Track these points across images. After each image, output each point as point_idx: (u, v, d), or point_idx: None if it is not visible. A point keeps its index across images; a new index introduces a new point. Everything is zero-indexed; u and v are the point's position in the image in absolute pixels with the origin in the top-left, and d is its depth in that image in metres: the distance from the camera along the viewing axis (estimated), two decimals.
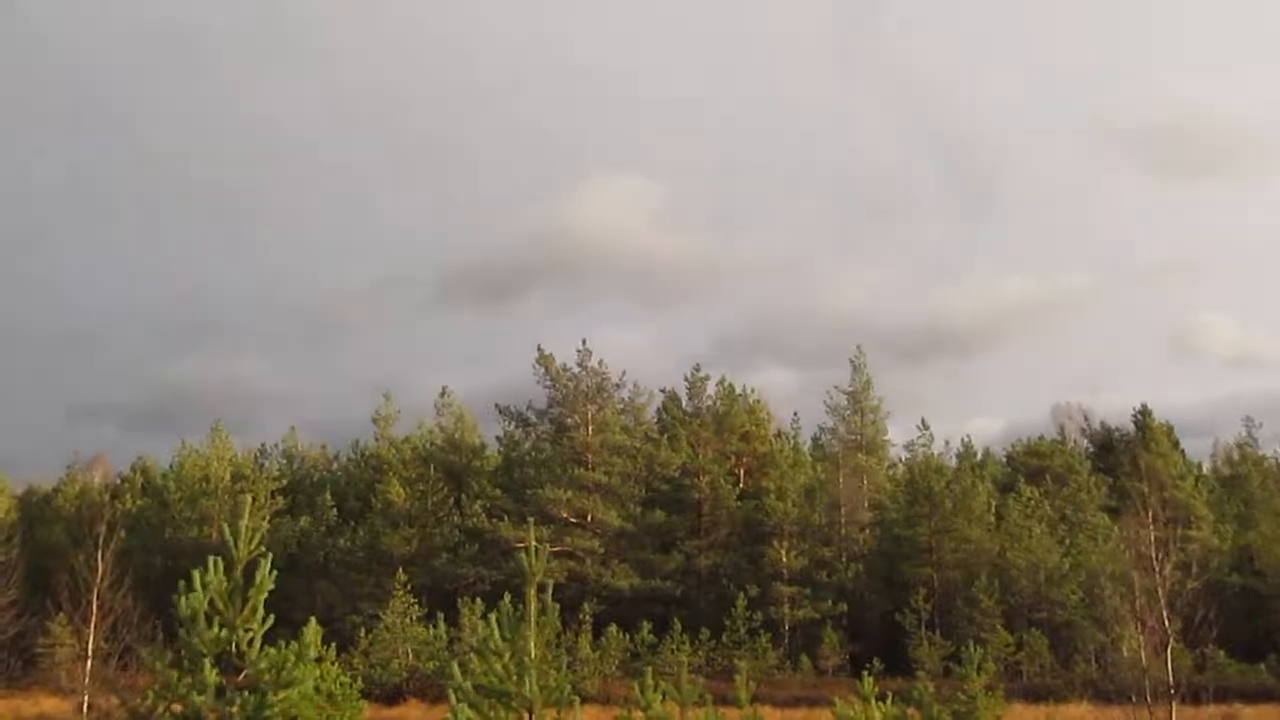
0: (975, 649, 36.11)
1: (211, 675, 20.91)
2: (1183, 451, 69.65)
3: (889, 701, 22.01)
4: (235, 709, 20.97)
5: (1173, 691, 23.08)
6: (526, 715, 20.73)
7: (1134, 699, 23.15)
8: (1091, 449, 73.46)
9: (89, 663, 24.68)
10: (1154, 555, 23.99)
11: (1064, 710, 34.02)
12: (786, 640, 53.46)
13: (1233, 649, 47.76)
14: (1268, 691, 40.29)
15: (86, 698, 24.42)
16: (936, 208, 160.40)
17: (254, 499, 21.77)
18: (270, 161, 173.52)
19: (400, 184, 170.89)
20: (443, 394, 69.15)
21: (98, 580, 24.97)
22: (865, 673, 23.01)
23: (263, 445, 72.54)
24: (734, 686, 22.25)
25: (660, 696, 22.94)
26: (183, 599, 21.41)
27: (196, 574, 21.66)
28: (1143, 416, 70.12)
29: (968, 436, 75.98)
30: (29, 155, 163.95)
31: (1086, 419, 77.34)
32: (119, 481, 71.55)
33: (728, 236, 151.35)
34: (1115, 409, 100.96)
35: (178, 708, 21.22)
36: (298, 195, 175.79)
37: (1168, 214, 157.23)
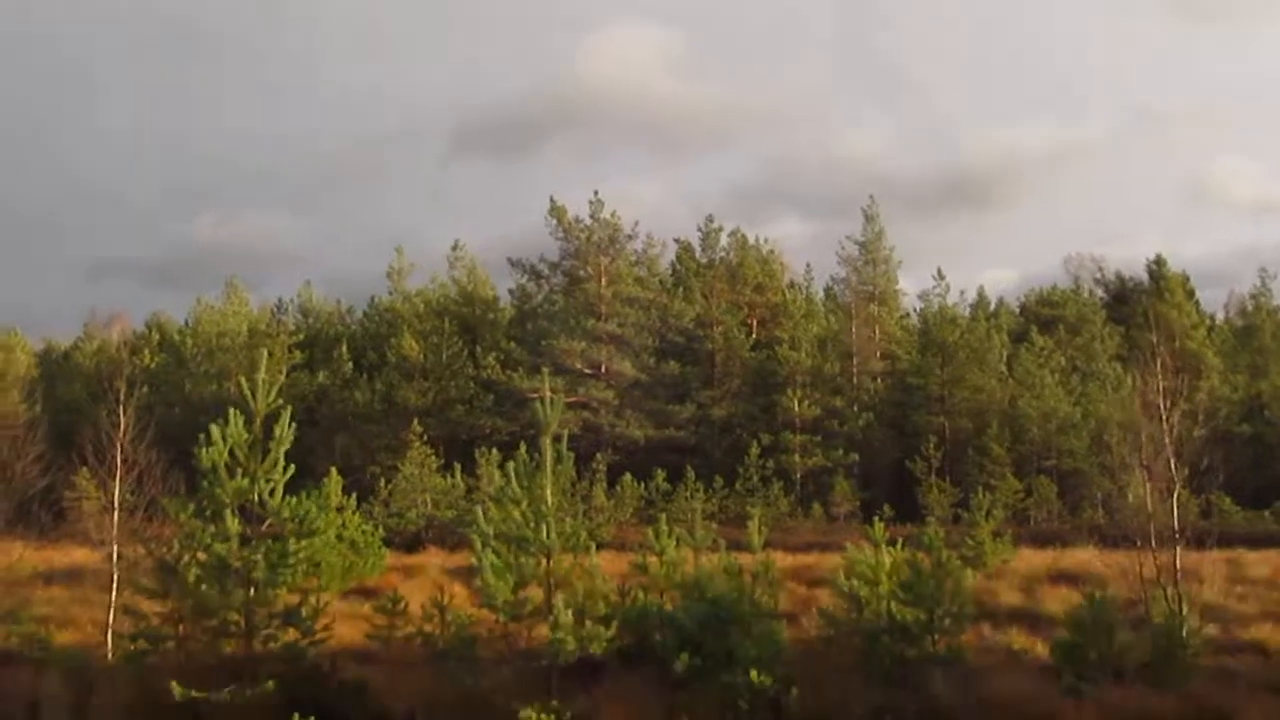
0: (984, 496, 36.90)
1: (234, 524, 21.49)
2: (1197, 302, 69.43)
3: (899, 546, 22.52)
4: (259, 557, 21.60)
5: (1177, 537, 23.46)
6: (544, 560, 21.30)
7: (1139, 544, 23.54)
8: (1105, 299, 73.24)
9: (115, 515, 25.18)
10: (1162, 404, 24.12)
11: (1070, 554, 34.65)
12: (798, 488, 54.31)
13: (1238, 496, 48.40)
14: (1271, 537, 40.90)
15: (115, 548, 25.01)
16: (954, 56, 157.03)
17: (270, 354, 22.09)
18: (280, 15, 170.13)
19: (412, 35, 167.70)
20: (455, 247, 69.07)
21: (120, 435, 25.30)
22: (876, 519, 23.53)
23: (279, 300, 72.86)
24: (746, 533, 22.81)
25: (674, 542, 23.55)
26: (203, 451, 21.88)
27: (216, 427, 22.11)
28: (1157, 266, 69.74)
29: (982, 287, 75.69)
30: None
31: (1101, 269, 76.95)
32: (136, 338, 72.06)
33: (744, 86, 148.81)
34: (1130, 259, 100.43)
35: (203, 556, 21.86)
36: (308, 49, 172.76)
37: (1189, 58, 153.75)
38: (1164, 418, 23.94)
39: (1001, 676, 21.16)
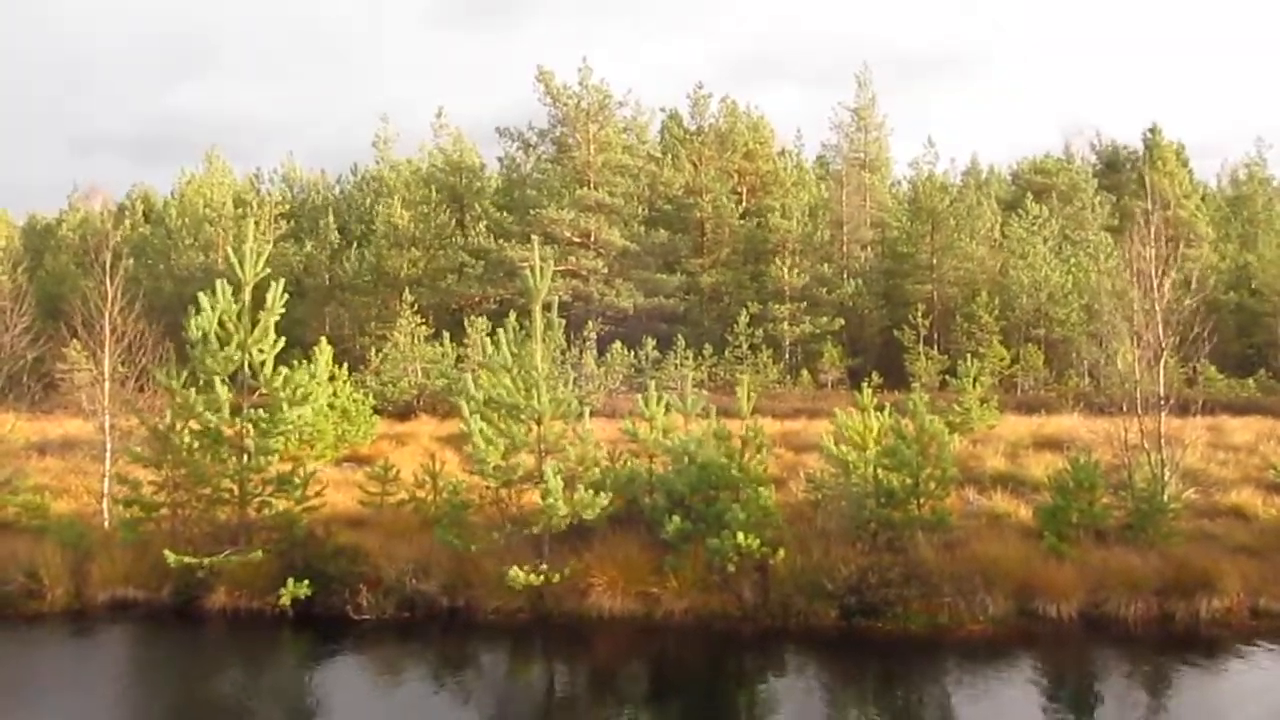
0: (972, 363, 37.02)
1: (226, 393, 21.58)
2: (1190, 171, 68.90)
3: (886, 411, 22.72)
4: (251, 425, 21.73)
5: (1162, 403, 23.67)
6: (535, 426, 21.48)
7: (1124, 410, 23.75)
8: (1099, 167, 72.64)
9: (107, 385, 25.22)
10: (1153, 272, 24.10)
11: (1055, 421, 35.02)
12: (787, 355, 54.60)
13: (1223, 365, 48.74)
14: (1254, 405, 41.41)
15: (108, 419, 25.11)
16: None
17: (256, 223, 21.88)
18: None
19: None
20: (439, 115, 68.13)
21: (108, 305, 25.20)
22: (863, 385, 23.67)
23: (257, 170, 71.92)
24: (735, 399, 22.92)
25: (664, 408, 23.70)
26: (191, 322, 21.85)
27: (204, 297, 22.03)
28: (1152, 134, 69.05)
29: (974, 155, 75.01)
30: None
31: (1098, 135, 76.13)
32: (119, 211, 71.30)
33: None
34: (1125, 129, 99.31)
35: (195, 425, 21.99)
36: None
37: None
38: (1154, 285, 23.94)
39: (985, 539, 21.53)
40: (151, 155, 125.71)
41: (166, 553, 20.36)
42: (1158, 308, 23.97)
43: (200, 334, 21.79)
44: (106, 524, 23.58)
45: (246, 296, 22.28)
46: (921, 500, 21.66)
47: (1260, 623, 19.57)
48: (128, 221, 65.81)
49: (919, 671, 18.03)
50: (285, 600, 20.18)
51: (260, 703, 17.10)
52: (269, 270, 23.04)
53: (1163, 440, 23.35)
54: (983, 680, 17.80)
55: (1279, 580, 20.25)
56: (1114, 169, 71.52)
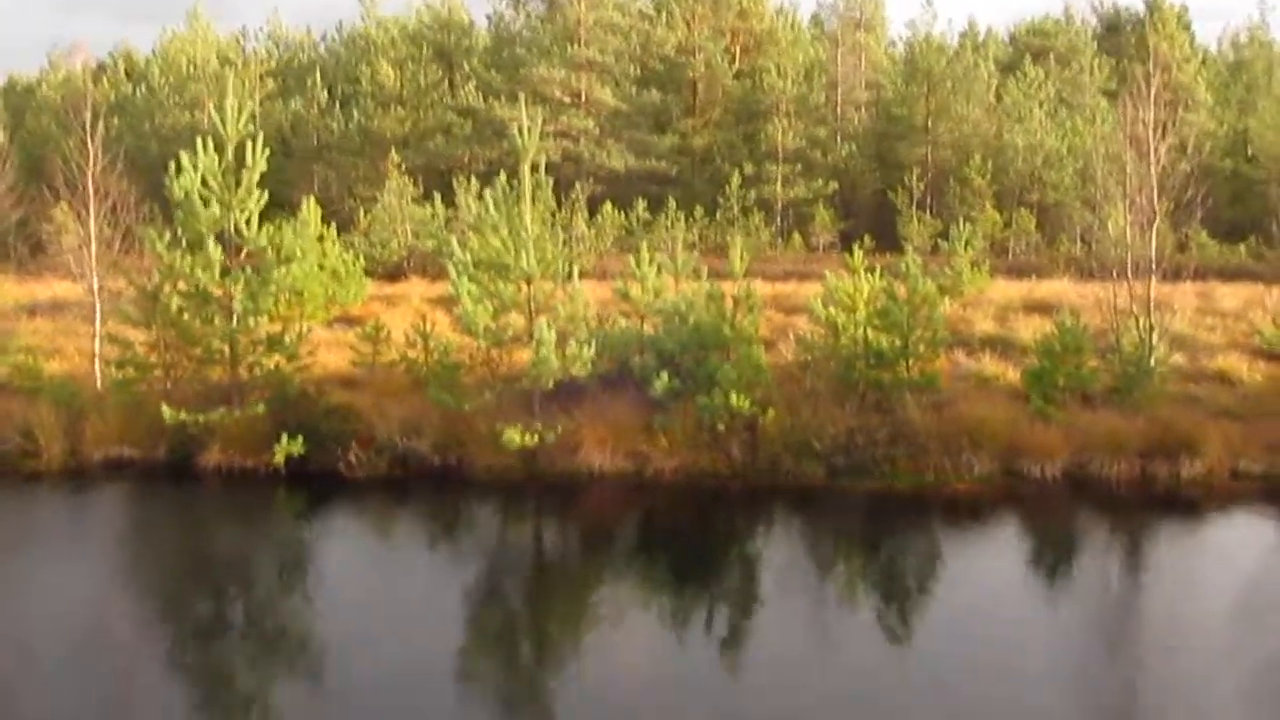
0: (964, 227, 36.85)
1: (213, 253, 21.42)
2: (1191, 34, 67.58)
3: (877, 274, 22.69)
4: (239, 285, 21.65)
5: (1154, 268, 23.66)
6: (525, 286, 21.43)
7: (1114, 275, 23.75)
8: (1099, 29, 71.23)
9: (93, 247, 25.02)
10: (1150, 137, 23.85)
11: (1046, 285, 35.06)
12: (779, 218, 54.25)
13: (1216, 231, 48.57)
14: (1244, 271, 41.44)
15: (96, 280, 24.97)
16: None
17: (240, 78, 21.48)
18: None
19: None
20: None
21: (90, 166, 24.84)
22: (855, 248, 23.57)
23: (243, 28, 70.28)
24: (727, 262, 22.83)
25: (655, 269, 23.63)
26: (174, 181, 21.56)
27: (185, 155, 21.69)
28: None
29: (971, 16, 73.48)
30: None
31: None
32: (101, 69, 69.77)
33: None
34: None
35: (183, 286, 21.89)
36: None
37: None
38: (1151, 150, 23.72)
39: (972, 401, 21.74)
40: (134, 11, 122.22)
41: (164, 408, 20.45)
42: (1153, 172, 23.79)
43: (183, 193, 21.51)
44: (99, 384, 23.64)
45: (230, 154, 21.93)
46: (911, 362, 21.78)
47: (1240, 484, 19.93)
48: (107, 79, 64.44)
49: (904, 528, 18.39)
50: (279, 458, 20.36)
51: (256, 557, 17.39)
52: (255, 128, 22.67)
53: (1152, 305, 23.42)
54: (966, 536, 18.17)
55: (1260, 443, 20.55)
56: (1114, 31, 70.11)
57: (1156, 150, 23.79)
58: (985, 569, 16.54)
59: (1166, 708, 11.76)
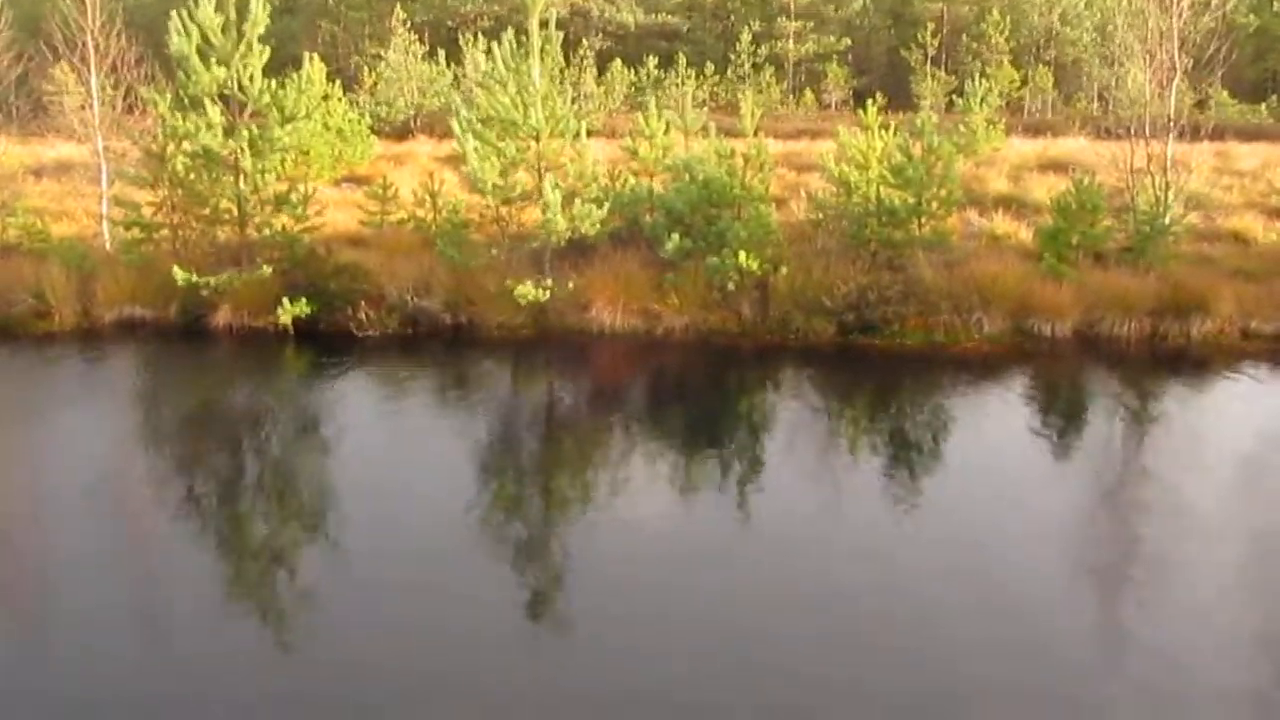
0: (980, 84, 36.19)
1: (216, 113, 21.12)
2: None
3: (890, 131, 22.36)
4: (245, 144, 21.40)
5: (1172, 127, 23.25)
6: (533, 143, 21.16)
7: (1131, 133, 23.35)
8: None
9: (96, 107, 24.71)
10: None
11: (1061, 143, 34.58)
12: (791, 76, 53.35)
13: (1236, 89, 47.68)
14: (1265, 131, 40.75)
15: (100, 141, 24.71)
16: None
17: None
18: None
19: None
20: None
21: (90, 22, 24.39)
22: (868, 104, 23.17)
23: None
24: (738, 120, 22.52)
25: (665, 126, 23.30)
26: (174, 39, 21.12)
27: (181, 13, 21.19)
28: None
29: None
30: None
31: None
32: None
33: None
34: None
35: (188, 146, 21.64)
36: None
37: None
38: (1173, 3, 23.14)
39: (984, 259, 21.63)
40: None
41: (175, 269, 20.44)
42: (1174, 26, 23.22)
43: (183, 53, 21.10)
44: (108, 245, 23.61)
45: (231, 10, 21.44)
46: (923, 220, 21.62)
47: (1249, 344, 19.94)
48: None
49: (913, 385, 18.46)
50: (288, 318, 20.43)
51: (269, 413, 17.54)
52: None
53: (1169, 164, 23.09)
54: (975, 393, 18.25)
55: (1273, 303, 20.51)
56: None
57: (1179, 3, 23.19)
58: (993, 426, 16.62)
59: (1167, 561, 11.93)
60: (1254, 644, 10.01)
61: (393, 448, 15.51)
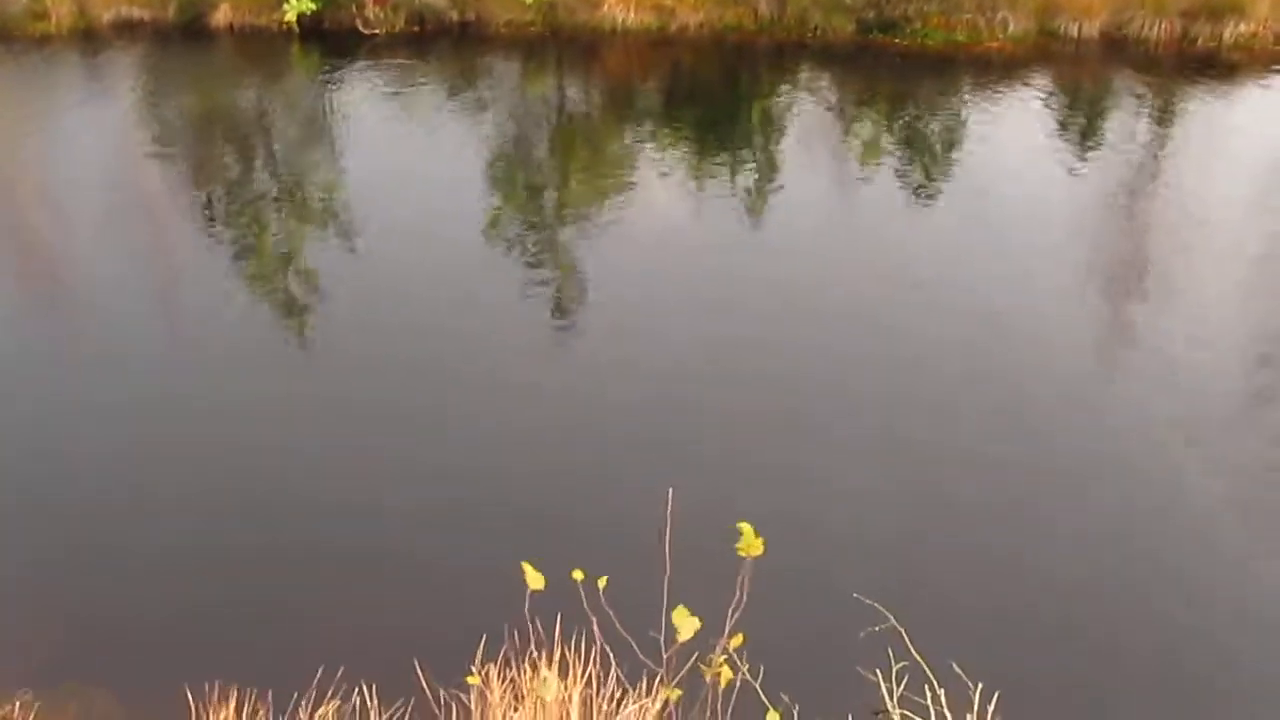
0: None
1: None
2: None
3: None
4: None
5: None
6: None
7: None
8: None
9: None
10: None
11: None
12: None
13: None
14: None
15: None
16: None
17: None
18: None
19: None
20: None
21: None
22: None
23: None
24: None
25: None
26: None
27: None
28: None
29: None
30: None
31: None
32: None
33: None
34: None
35: None
36: None
37: None
38: None
39: None
40: None
41: None
42: None
43: None
44: None
45: None
46: None
47: None
48: None
49: (933, 86, 17.97)
50: (292, 15, 19.80)
51: (277, 111, 17.26)
52: None
53: None
54: (996, 95, 17.76)
55: None
56: None
57: None
58: (1013, 128, 16.25)
59: (1172, 271, 11.86)
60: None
61: (404, 148, 15.29)
